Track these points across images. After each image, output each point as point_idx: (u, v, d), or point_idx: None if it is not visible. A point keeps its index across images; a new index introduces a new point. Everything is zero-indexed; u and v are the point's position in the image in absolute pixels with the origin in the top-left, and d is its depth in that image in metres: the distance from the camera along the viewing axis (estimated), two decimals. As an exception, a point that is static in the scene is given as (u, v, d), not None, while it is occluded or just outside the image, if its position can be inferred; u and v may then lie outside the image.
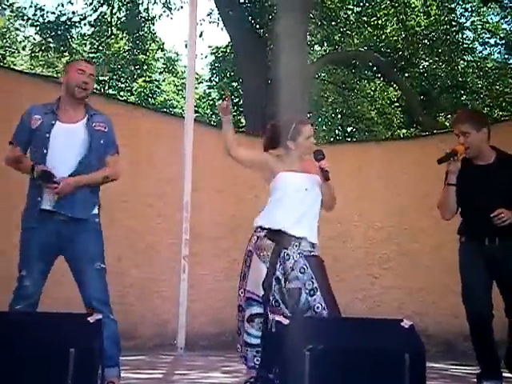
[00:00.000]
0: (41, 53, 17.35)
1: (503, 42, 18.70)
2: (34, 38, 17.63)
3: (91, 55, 19.78)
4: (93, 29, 17.36)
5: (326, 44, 17.27)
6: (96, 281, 4.38)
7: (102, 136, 4.51)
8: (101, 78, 20.17)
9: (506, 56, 19.15)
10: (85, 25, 16.76)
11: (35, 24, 16.25)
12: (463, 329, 4.85)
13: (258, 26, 14.13)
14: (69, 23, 16.09)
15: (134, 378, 4.96)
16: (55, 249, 4.34)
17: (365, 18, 16.40)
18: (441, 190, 5.00)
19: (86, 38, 18.58)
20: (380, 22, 16.51)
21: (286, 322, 3.07)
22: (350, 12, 16.56)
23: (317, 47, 18.26)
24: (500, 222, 4.52)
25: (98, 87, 20.26)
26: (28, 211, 4.36)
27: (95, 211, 4.56)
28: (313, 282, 4.37)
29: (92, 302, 4.33)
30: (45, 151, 4.31)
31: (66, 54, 17.66)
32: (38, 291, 4.34)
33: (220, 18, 14.51)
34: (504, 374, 4.69)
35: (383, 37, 16.83)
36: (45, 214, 4.28)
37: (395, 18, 16.75)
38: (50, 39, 16.15)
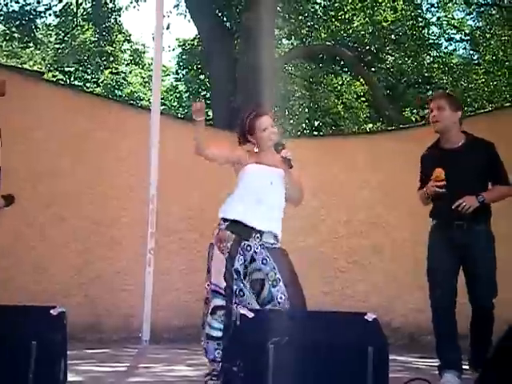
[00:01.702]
0: (5, 43, 17.13)
1: (468, 38, 18.88)
2: (-2, 28, 17.42)
3: (57, 46, 19.59)
4: (58, 19, 17.19)
5: (293, 38, 17.29)
6: None
7: None
8: (66, 69, 19.97)
9: (471, 52, 19.36)
10: (50, 15, 16.60)
11: (-1, 14, 16.05)
12: (427, 322, 4.90)
13: (225, 19, 14.08)
14: (33, 13, 15.88)
15: (98, 370, 4.93)
16: None
17: (332, 13, 16.44)
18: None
19: (51, 28, 18.39)
20: (347, 16, 16.56)
21: (250, 315, 3.07)
22: (317, 6, 16.60)
23: (284, 41, 18.27)
24: (464, 210, 4.58)
25: (64, 78, 20.07)
26: None
27: None
28: (275, 273, 4.39)
29: None
30: None
31: (31, 44, 17.45)
32: None
33: (187, 10, 14.44)
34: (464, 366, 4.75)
35: (350, 31, 16.88)
36: None
37: (362, 13, 16.81)
38: (14, 29, 15.93)
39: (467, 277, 4.77)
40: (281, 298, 4.34)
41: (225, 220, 4.49)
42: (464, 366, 4.71)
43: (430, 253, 4.85)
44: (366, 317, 3.26)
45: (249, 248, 4.41)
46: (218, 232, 4.48)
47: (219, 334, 4.32)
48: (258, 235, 4.43)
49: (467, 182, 4.66)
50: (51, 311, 3.03)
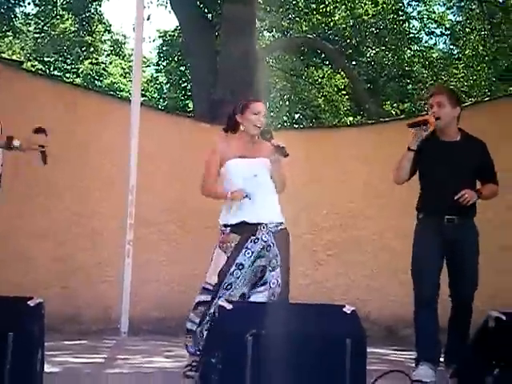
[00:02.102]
0: (-18, 32, 16.98)
1: (448, 32, 18.97)
2: (-24, 17, 17.21)
3: (36, 35, 19.42)
4: (37, 8, 17.04)
5: (274, 30, 17.29)
6: None
7: None
8: (46, 59, 19.81)
9: (451, 46, 19.45)
10: (29, 4, 16.44)
11: (-23, 2, 15.87)
12: (405, 315, 4.93)
13: (206, 10, 14.04)
14: (12, 2, 15.72)
15: (75, 362, 4.91)
16: None
17: (313, 5, 16.45)
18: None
19: (30, 17, 18.22)
20: (328, 9, 16.58)
21: (229, 306, 3.07)
22: (298, -1, 16.60)
23: (265, 33, 18.25)
24: (465, 202, 4.60)
25: (44, 68, 19.91)
26: None
27: None
28: (276, 260, 4.46)
29: None
30: None
31: (10, 33, 17.29)
32: None
33: (168, 1, 14.38)
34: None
35: (331, 24, 16.91)
36: None
37: (343, 6, 16.85)
38: (-8, 18, 15.80)
39: (452, 272, 4.80)
40: (273, 283, 4.40)
41: (226, 226, 4.50)
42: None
43: (416, 246, 4.86)
44: (344, 309, 3.27)
45: (256, 240, 4.44)
46: (223, 235, 4.49)
47: (191, 327, 4.35)
48: (264, 226, 4.45)
49: (460, 176, 4.69)
50: (29, 302, 3.01)
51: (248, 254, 4.41)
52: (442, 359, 4.79)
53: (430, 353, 4.69)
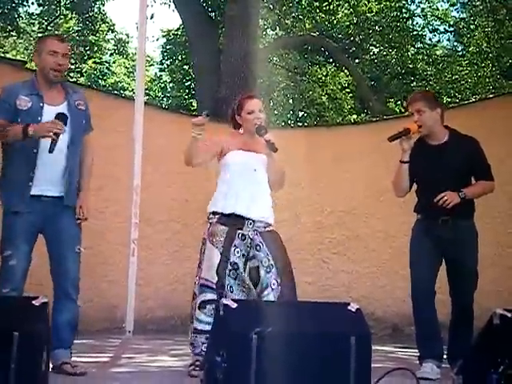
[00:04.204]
0: (-14, 32, 16.99)
1: (452, 29, 18.92)
2: (-21, 17, 17.22)
3: (40, 35, 19.41)
4: (41, 8, 17.03)
5: (278, 28, 17.27)
6: (73, 265, 4.44)
7: (82, 115, 4.47)
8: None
9: (455, 43, 19.41)
10: (32, 3, 16.43)
11: (-20, 2, 15.86)
12: (410, 312, 4.94)
13: (209, 9, 14.04)
14: (16, 1, 15.72)
15: (81, 361, 4.91)
16: (38, 229, 4.32)
17: (317, 3, 16.41)
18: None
19: (33, 17, 18.22)
20: (331, 7, 16.55)
21: (233, 305, 3.07)
22: (302, -4, 16.58)
23: (269, 31, 18.24)
24: (446, 204, 4.60)
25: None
26: (15, 195, 4.25)
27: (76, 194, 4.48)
28: (268, 259, 4.41)
29: (69, 287, 4.40)
30: None
31: (14, 33, 17.29)
32: (23, 274, 4.29)
33: (171, 0, 14.37)
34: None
35: (335, 22, 16.88)
36: (33, 197, 4.25)
37: (346, 4, 16.82)
38: (-5, 17, 15.79)
39: (451, 272, 4.82)
40: (274, 284, 4.38)
41: (215, 213, 4.48)
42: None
43: (412, 245, 4.90)
44: (349, 307, 3.26)
45: (243, 237, 4.41)
46: (210, 227, 4.47)
47: (207, 327, 4.26)
48: (251, 222, 4.43)
49: (451, 177, 4.70)
50: (33, 301, 3.01)
51: (238, 252, 4.39)
52: (445, 356, 4.80)
53: (433, 350, 4.70)
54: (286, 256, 4.51)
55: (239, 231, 4.42)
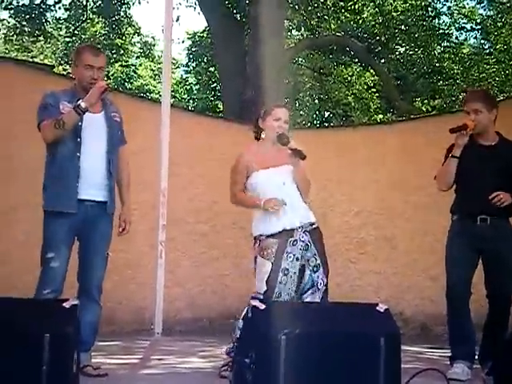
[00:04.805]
0: (15, 37, 17.13)
1: (479, 27, 18.76)
2: (8, 22, 17.37)
3: (67, 39, 19.59)
4: (68, 12, 17.15)
5: (303, 29, 17.24)
6: (102, 269, 4.55)
7: (117, 126, 4.61)
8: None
9: (482, 41, 19.23)
10: (59, 8, 16.53)
11: (9, 7, 15.97)
12: (439, 312, 4.92)
13: (235, 11, 14.04)
14: (43, 6, 15.83)
15: (110, 363, 4.95)
16: (77, 232, 4.41)
17: (342, 3, 16.36)
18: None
19: (61, 21, 18.36)
20: (357, 6, 16.48)
21: (262, 306, 3.08)
22: (326, -3, 16.54)
23: (294, 32, 18.22)
24: (499, 203, 4.60)
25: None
26: (64, 196, 4.33)
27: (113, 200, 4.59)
28: (316, 259, 4.48)
29: (93, 289, 4.47)
30: (78, 140, 4.35)
31: (41, 38, 17.45)
32: (64, 276, 4.36)
33: (197, 3, 14.41)
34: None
35: (360, 22, 16.81)
36: (78, 200, 4.35)
37: (372, 3, 16.74)
38: (23, 23, 15.91)
39: (487, 270, 4.80)
40: (320, 283, 4.43)
41: (261, 235, 4.51)
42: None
43: (449, 246, 4.88)
44: (377, 307, 3.26)
45: (295, 242, 4.46)
46: (259, 243, 4.49)
47: None
48: (298, 228, 4.48)
49: (497, 179, 4.68)
50: (64, 304, 3.04)
51: (290, 257, 4.42)
52: (476, 357, 4.77)
53: (464, 351, 4.68)
54: (325, 254, 4.57)
55: (290, 239, 4.45)
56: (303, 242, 4.48)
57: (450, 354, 4.80)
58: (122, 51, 21.20)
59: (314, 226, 4.58)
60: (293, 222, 4.49)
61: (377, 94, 18.60)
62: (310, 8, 15.76)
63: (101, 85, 4.31)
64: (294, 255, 4.44)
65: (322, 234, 4.61)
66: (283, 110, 4.65)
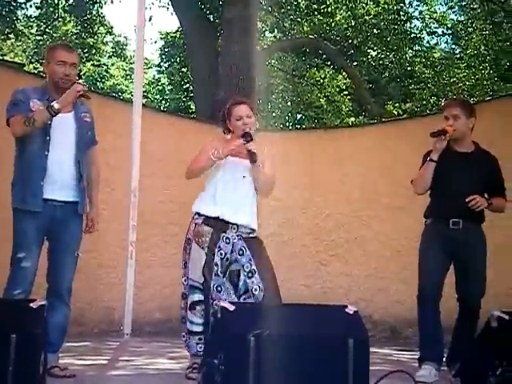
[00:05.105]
0: (-15, 35, 16.97)
1: (450, 31, 18.94)
2: (-22, 19, 17.21)
3: (38, 38, 19.43)
4: (39, 11, 17.03)
5: (276, 31, 17.27)
6: (71, 269, 4.50)
7: (88, 126, 4.57)
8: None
9: (453, 46, 19.44)
10: (31, 6, 16.44)
11: (-21, 5, 15.85)
12: (408, 315, 4.95)
13: (207, 12, 14.03)
14: (14, 4, 15.70)
15: (78, 364, 4.91)
16: (47, 232, 4.36)
17: (315, 6, 16.42)
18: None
19: (32, 20, 18.22)
20: (330, 9, 16.55)
21: (231, 308, 3.07)
22: (300, -1, 16.59)
23: (267, 34, 18.24)
24: (475, 206, 4.65)
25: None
26: (30, 194, 4.28)
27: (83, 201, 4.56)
28: (251, 264, 4.45)
29: (63, 290, 4.44)
30: (47, 138, 4.30)
31: (12, 36, 17.29)
32: (34, 276, 4.32)
33: (169, 3, 14.37)
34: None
35: (333, 25, 16.88)
36: (45, 199, 4.29)
37: (345, 6, 16.83)
38: (-6, 20, 15.77)
39: (459, 274, 4.86)
40: (255, 289, 4.39)
41: (200, 215, 4.51)
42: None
43: (422, 248, 4.93)
44: (346, 309, 3.27)
45: (228, 240, 4.46)
46: (195, 227, 4.50)
47: (200, 328, 4.40)
48: (235, 227, 4.47)
49: (471, 186, 4.74)
50: (31, 304, 3.01)
51: (221, 254, 4.44)
52: (444, 359, 4.80)
53: (433, 352, 4.71)
54: (269, 262, 4.53)
55: (223, 234, 4.46)
56: (235, 244, 4.46)
57: (418, 356, 4.83)
58: (94, 50, 21.07)
59: (251, 235, 4.54)
60: (233, 216, 4.47)
61: (349, 97, 18.70)
62: (283, 10, 15.80)
63: (79, 88, 4.29)
64: (224, 253, 4.44)
65: (261, 242, 4.58)
66: (242, 107, 4.62)
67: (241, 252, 4.47)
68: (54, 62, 4.41)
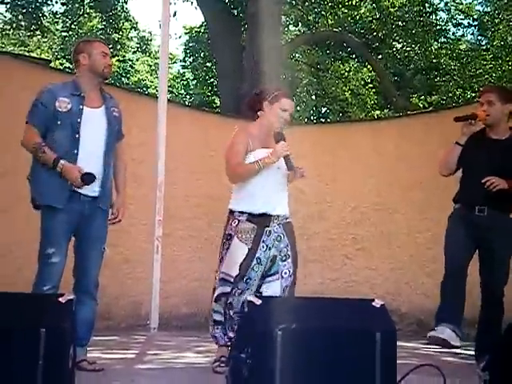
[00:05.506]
0: (12, 31, 17.10)
1: (476, 23, 18.75)
2: (5, 16, 17.35)
3: (63, 34, 19.55)
4: (65, 7, 17.14)
5: (300, 24, 17.22)
6: (98, 264, 4.54)
7: (117, 121, 4.59)
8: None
9: (479, 37, 19.23)
10: (56, 3, 16.54)
11: (5, 1, 15.96)
12: (435, 309, 4.90)
13: (232, 6, 14.04)
14: (40, 1, 15.82)
15: (106, 358, 4.95)
16: (74, 227, 4.39)
17: (339, -1, 16.37)
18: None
19: (57, 16, 18.34)
20: (354, 2, 16.46)
21: (258, 301, 3.07)
22: (324, -8, 16.52)
23: (291, 27, 18.20)
24: (492, 187, 4.61)
25: (71, 66, 20.05)
26: (55, 191, 4.30)
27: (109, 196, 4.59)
28: (287, 249, 4.55)
29: (90, 285, 4.47)
30: (77, 136, 4.31)
31: (38, 32, 17.42)
32: (62, 272, 4.36)
33: (194, -2, 14.40)
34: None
35: (357, 17, 16.80)
36: (72, 194, 4.31)
37: (369, -1, 16.74)
38: (20, 17, 15.88)
39: (482, 260, 4.83)
40: (285, 273, 4.49)
41: (242, 212, 4.50)
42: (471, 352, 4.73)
43: (448, 231, 4.92)
44: (373, 303, 3.25)
45: (269, 233, 4.49)
46: (238, 223, 4.49)
47: (220, 318, 4.48)
48: (276, 217, 4.53)
49: (499, 173, 4.68)
50: (60, 299, 3.03)
51: (263, 247, 4.48)
52: (473, 353, 4.77)
53: (447, 315, 4.64)
54: (295, 247, 4.61)
55: (267, 228, 4.48)
56: (276, 233, 4.53)
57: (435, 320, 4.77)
58: (119, 46, 21.15)
59: (287, 220, 4.62)
60: (275, 209, 4.53)
61: (374, 90, 18.61)
62: (307, 3, 15.75)
63: (79, 183, 4.28)
64: (267, 245, 4.51)
65: (292, 225, 4.64)
66: (291, 103, 4.63)
67: (279, 238, 4.56)
68: (98, 52, 4.43)
